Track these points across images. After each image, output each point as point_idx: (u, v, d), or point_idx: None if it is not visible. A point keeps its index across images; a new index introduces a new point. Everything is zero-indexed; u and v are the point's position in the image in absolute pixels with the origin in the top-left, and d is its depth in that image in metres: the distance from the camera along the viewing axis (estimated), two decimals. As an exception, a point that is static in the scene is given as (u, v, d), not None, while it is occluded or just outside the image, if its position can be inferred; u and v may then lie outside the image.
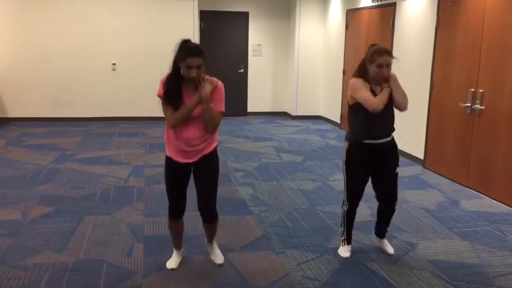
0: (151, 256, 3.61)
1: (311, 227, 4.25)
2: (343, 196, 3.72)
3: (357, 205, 3.67)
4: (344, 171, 3.58)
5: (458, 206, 4.93)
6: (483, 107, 5.25)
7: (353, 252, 3.75)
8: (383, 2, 7.47)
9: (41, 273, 3.29)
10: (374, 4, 7.74)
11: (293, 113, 10.18)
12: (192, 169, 3.23)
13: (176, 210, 3.38)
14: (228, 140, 7.94)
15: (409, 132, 6.77)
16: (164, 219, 4.36)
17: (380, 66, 3.28)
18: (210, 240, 3.54)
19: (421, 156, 6.50)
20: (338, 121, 9.26)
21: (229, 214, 4.50)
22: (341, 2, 9.07)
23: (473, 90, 5.40)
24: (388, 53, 3.33)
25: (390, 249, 3.74)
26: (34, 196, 4.84)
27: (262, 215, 4.52)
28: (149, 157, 6.67)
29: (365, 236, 4.08)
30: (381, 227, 3.80)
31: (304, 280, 3.30)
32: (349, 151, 3.51)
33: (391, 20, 7.21)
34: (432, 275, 3.41)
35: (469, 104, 5.45)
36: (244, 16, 10.16)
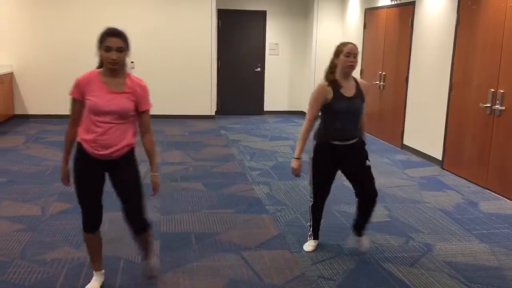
0: (167, 253, 3.63)
1: (327, 227, 4.23)
2: (310, 191, 3.74)
3: (323, 200, 3.70)
4: (310, 169, 3.61)
5: (477, 207, 4.86)
6: (503, 108, 5.17)
7: (369, 252, 3.73)
8: (402, 1, 7.40)
9: (59, 268, 3.34)
10: (393, 3, 7.67)
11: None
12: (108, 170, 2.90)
13: (90, 220, 3.01)
14: (245, 139, 7.96)
15: (427, 133, 6.70)
16: (180, 216, 4.39)
17: (348, 54, 3.35)
18: (146, 256, 3.16)
19: (439, 157, 6.42)
20: (355, 120, 9.20)
21: (245, 213, 4.51)
22: (360, 1, 9.01)
23: (493, 90, 5.32)
24: (352, 44, 3.44)
25: (364, 246, 3.70)
26: (53, 193, 4.91)
27: (278, 214, 4.52)
28: (165, 154, 6.71)
29: (381, 236, 4.05)
30: (359, 222, 3.68)
31: (320, 280, 3.29)
32: (316, 150, 3.55)
33: (410, 19, 7.14)
34: (450, 277, 3.37)
35: (489, 105, 5.37)
36: (262, 15, 10.16)
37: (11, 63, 8.85)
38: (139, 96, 2.83)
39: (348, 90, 3.41)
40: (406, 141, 7.33)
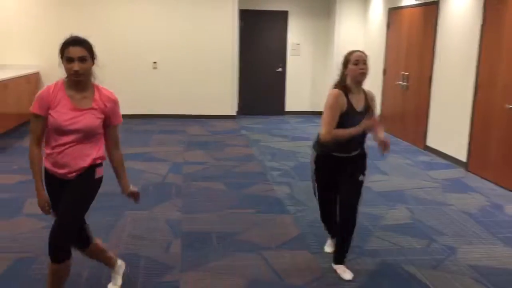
0: (189, 252, 3.66)
1: (348, 228, 4.21)
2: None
3: (331, 211, 3.47)
4: (313, 179, 3.47)
5: (502, 210, 4.77)
6: (530, 109, 5.06)
7: (391, 254, 3.70)
8: (426, 1, 7.30)
9: (83, 265, 3.38)
10: (417, 2, 7.57)
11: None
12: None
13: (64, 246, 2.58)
14: (266, 139, 7.96)
15: (451, 134, 6.60)
16: (201, 215, 4.42)
17: (356, 62, 3.20)
18: (110, 266, 3.03)
19: (464, 159, 6.32)
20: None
21: (265, 213, 4.51)
22: (383, 0, 8.92)
23: (520, 91, 5.21)
24: (360, 51, 3.30)
25: (346, 276, 3.30)
26: (77, 190, 4.99)
27: (299, 214, 4.51)
28: (187, 154, 6.76)
29: (403, 238, 4.01)
30: (338, 249, 3.41)
31: (340, 281, 3.27)
32: (317, 162, 3.38)
33: (434, 18, 7.04)
34: (474, 281, 3.31)
35: (515, 106, 5.26)
36: (284, 15, 10.15)
37: (37, 63, 9.03)
38: (109, 112, 2.62)
39: (358, 103, 3.24)
40: (429, 142, 7.23)
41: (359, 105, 3.24)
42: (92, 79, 2.61)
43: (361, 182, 3.28)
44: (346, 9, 9.71)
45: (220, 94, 9.72)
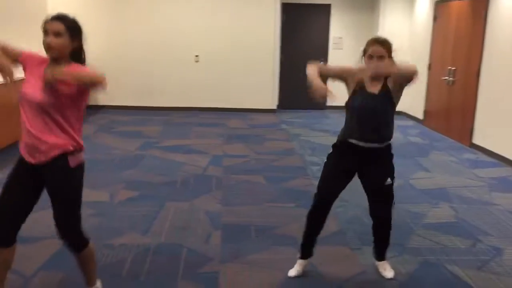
0: (228, 243, 3.69)
1: (389, 225, 4.14)
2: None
3: (322, 207, 3.11)
4: (323, 166, 3.17)
5: (553, 212, 4.57)
6: None
7: (434, 253, 3.61)
8: (476, -7, 7.05)
9: (126, 252, 3.49)
10: (465, -6, 7.33)
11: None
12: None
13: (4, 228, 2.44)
14: (306, 133, 7.92)
15: (500, 131, 6.37)
16: (241, 208, 4.45)
17: (370, 57, 2.84)
18: (88, 283, 2.73)
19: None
20: (421, 117, 8.91)
21: (305, 207, 4.48)
22: (429, -7, 8.68)
23: None
24: (381, 42, 2.88)
25: (388, 273, 3.23)
26: (121, 180, 5.13)
27: (338, 210, 4.47)
28: (227, 147, 6.82)
29: (446, 237, 3.91)
30: (377, 246, 3.30)
31: (381, 279, 3.23)
32: (333, 147, 3.14)
33: (484, 12, 6.79)
34: (521, 284, 3.20)
35: None
36: (326, 8, 10.03)
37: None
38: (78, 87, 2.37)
39: (374, 87, 2.91)
40: (476, 140, 6.99)
41: (373, 88, 2.91)
42: (68, 60, 2.39)
43: (389, 186, 3.03)
44: (391, 2, 9.49)
45: (260, 87, 9.74)
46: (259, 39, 9.52)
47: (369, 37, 3.07)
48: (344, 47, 10.15)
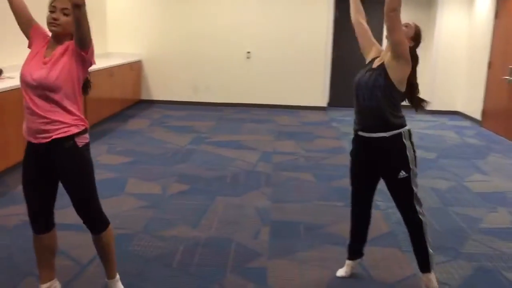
0: (277, 240, 3.71)
1: (443, 228, 4.02)
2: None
3: (358, 202, 3.01)
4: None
5: None
6: None
7: (490, 259, 3.48)
8: (542, -12, 6.69)
9: (177, 244, 3.57)
10: (530, -10, 6.97)
11: (428, 107, 9.63)
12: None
13: (37, 217, 2.55)
14: (357, 132, 7.80)
15: None
16: (290, 205, 4.45)
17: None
18: (109, 275, 2.75)
19: None
20: (479, 117, 8.56)
21: (355, 207, 4.44)
22: (491, -12, 8.32)
23: None
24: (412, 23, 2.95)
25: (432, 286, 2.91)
26: (173, 174, 5.25)
27: (389, 211, 4.38)
28: (277, 143, 6.82)
29: (503, 243, 3.75)
30: (415, 255, 2.96)
31: (433, 283, 3.14)
32: (352, 142, 2.95)
33: (551, 7, 6.43)
34: None
35: None
36: (382, 4, 9.75)
37: (140, 52, 9.57)
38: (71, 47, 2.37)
39: (378, 62, 2.78)
40: (538, 142, 6.65)
41: (376, 63, 2.80)
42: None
43: (404, 180, 2.72)
44: (450, -2, 9.18)
45: (311, 85, 9.68)
46: (311, 36, 9.45)
47: (426, 33, 3.00)
48: (398, 44, 9.89)
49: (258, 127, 7.91)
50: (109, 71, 7.78)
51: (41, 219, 2.55)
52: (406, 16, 10.92)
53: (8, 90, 4.80)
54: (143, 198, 4.51)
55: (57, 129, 2.37)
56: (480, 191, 4.97)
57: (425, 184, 5.10)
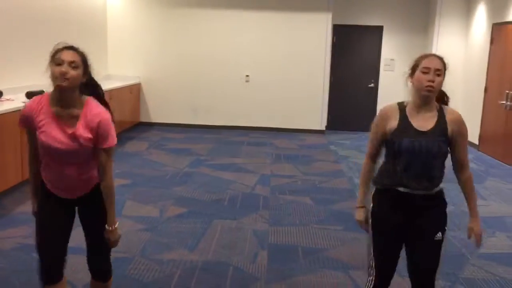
0: (275, 264, 3.68)
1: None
2: (369, 262, 2.54)
3: (388, 278, 2.50)
4: (370, 227, 2.52)
5: None
6: None
7: (489, 285, 3.45)
8: (537, 15, 6.80)
9: (174, 268, 3.54)
10: (525, 16, 7.09)
11: (425, 131, 9.68)
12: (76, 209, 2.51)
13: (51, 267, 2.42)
14: (354, 156, 7.82)
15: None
16: (288, 228, 4.43)
17: (426, 70, 2.36)
18: None
19: None
20: (476, 142, 8.60)
21: (354, 230, 4.42)
22: (487, 15, 8.45)
23: None
24: (437, 55, 2.45)
25: None
26: (171, 197, 5.23)
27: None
28: (275, 166, 6.83)
29: (503, 269, 3.73)
30: None
31: (432, 309, 3.11)
32: (375, 199, 2.51)
33: (545, 34, 6.54)
34: None
35: None
36: (378, 30, 9.96)
37: (138, 74, 9.64)
38: (97, 134, 2.32)
39: (424, 122, 2.40)
40: (535, 167, 6.67)
41: (424, 124, 2.40)
42: (79, 94, 2.31)
43: (439, 242, 2.42)
44: (446, 24, 9.31)
45: (309, 108, 9.73)
46: (309, 60, 9.56)
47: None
48: (395, 69, 10.01)
49: (256, 150, 7.92)
50: (109, 94, 7.82)
51: (55, 266, 2.41)
52: (403, 40, 11.05)
53: (7, 112, 4.82)
54: (141, 220, 4.48)
55: (90, 182, 2.44)
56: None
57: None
